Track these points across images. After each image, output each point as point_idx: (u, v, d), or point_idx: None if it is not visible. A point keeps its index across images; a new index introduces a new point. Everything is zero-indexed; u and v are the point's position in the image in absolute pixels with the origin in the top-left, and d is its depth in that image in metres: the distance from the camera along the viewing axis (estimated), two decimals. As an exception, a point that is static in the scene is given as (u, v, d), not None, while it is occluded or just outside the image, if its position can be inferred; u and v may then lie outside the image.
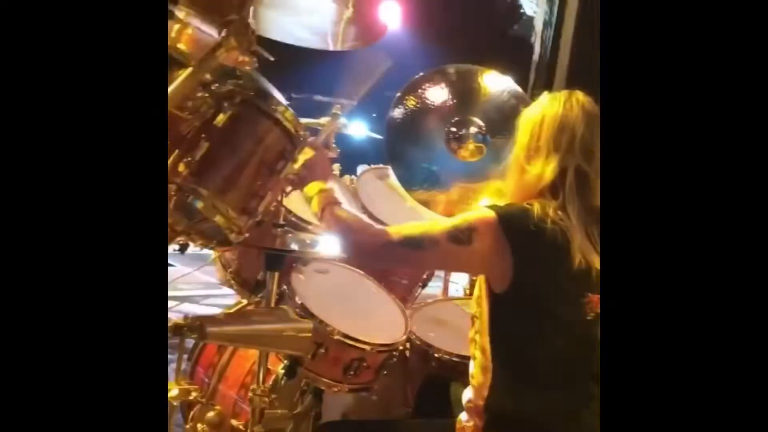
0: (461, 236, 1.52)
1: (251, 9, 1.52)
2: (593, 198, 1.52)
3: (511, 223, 1.50)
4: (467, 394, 1.59)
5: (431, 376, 2.12)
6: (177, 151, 1.44)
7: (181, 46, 1.62)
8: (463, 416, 1.60)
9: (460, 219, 1.56)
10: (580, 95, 1.61)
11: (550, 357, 1.50)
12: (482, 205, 1.60)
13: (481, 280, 1.60)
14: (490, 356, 1.54)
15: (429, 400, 2.10)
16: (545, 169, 1.54)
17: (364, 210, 2.39)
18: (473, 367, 1.59)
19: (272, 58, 1.50)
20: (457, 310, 2.35)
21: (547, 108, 1.60)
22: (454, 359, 2.05)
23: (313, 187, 1.70)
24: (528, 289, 1.50)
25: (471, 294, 2.55)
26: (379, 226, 1.64)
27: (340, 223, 1.64)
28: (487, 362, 1.54)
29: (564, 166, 1.53)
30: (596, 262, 1.46)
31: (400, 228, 1.59)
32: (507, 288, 1.50)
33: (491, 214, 1.52)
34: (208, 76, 1.46)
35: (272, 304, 1.94)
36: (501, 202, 1.65)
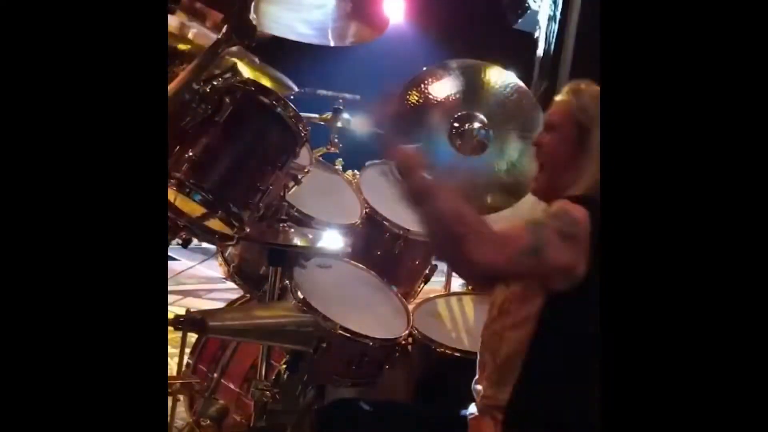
0: (568, 233, 1.40)
1: (253, 4, 1.51)
2: None
3: (594, 221, 1.40)
4: (479, 388, 1.57)
5: (432, 371, 2.12)
6: (178, 147, 1.44)
7: (184, 41, 1.63)
8: (473, 408, 1.58)
9: (560, 214, 1.43)
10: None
11: (588, 356, 1.40)
12: (564, 198, 1.47)
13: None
14: (528, 353, 1.47)
15: (431, 394, 2.10)
16: (595, 170, 1.45)
17: (367, 205, 2.39)
18: (491, 361, 1.54)
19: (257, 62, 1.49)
20: (459, 305, 2.35)
21: (595, 108, 1.50)
22: (456, 354, 2.05)
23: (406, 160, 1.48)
24: (589, 288, 1.37)
25: (473, 288, 2.56)
26: (490, 233, 1.41)
27: (452, 214, 1.39)
28: (515, 358, 1.48)
29: None
30: None
31: (514, 235, 1.42)
32: (576, 283, 1.41)
33: (582, 208, 1.42)
34: (209, 72, 1.47)
35: (275, 299, 1.94)
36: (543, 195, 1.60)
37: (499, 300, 1.59)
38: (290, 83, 2.00)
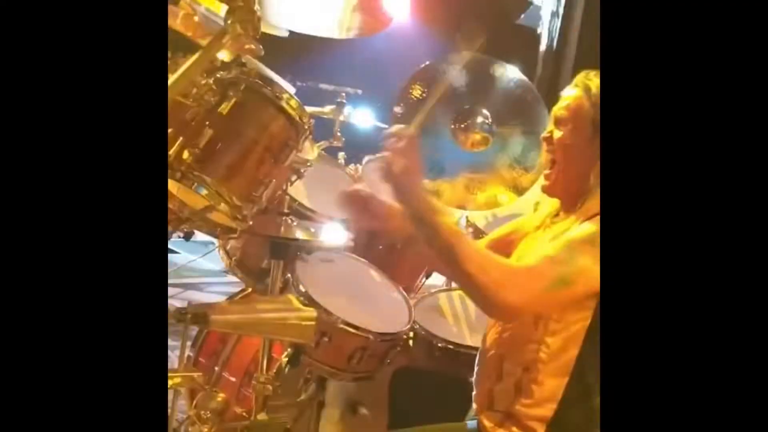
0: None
1: (257, -5, 1.51)
2: None
3: None
4: (493, 395, 1.51)
5: (433, 365, 2.11)
6: (181, 139, 1.44)
7: (187, 32, 1.62)
8: (486, 422, 1.52)
9: (592, 237, 1.34)
10: None
11: None
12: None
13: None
14: (575, 365, 1.42)
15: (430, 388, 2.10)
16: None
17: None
18: (518, 368, 1.48)
19: (262, 52, 1.48)
20: (461, 300, 2.35)
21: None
22: (458, 349, 2.05)
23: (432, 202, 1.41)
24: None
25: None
26: (515, 270, 1.37)
27: (478, 263, 1.33)
28: (564, 369, 1.44)
29: None
30: None
31: (540, 268, 1.36)
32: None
33: None
34: (212, 63, 1.46)
35: (276, 292, 1.94)
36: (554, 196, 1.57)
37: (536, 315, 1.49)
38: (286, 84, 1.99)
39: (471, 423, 1.59)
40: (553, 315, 1.45)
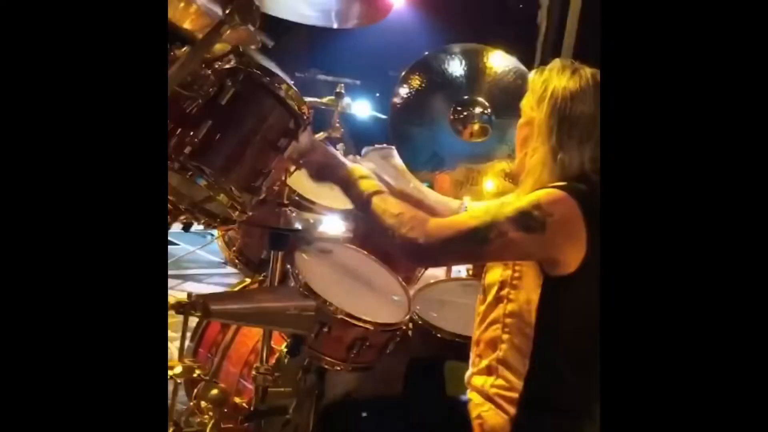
0: (533, 223, 1.39)
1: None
2: None
3: (587, 205, 1.40)
4: (478, 379, 1.55)
5: (432, 356, 2.12)
6: (180, 130, 1.43)
7: (186, 23, 1.61)
8: (477, 399, 1.55)
9: (528, 203, 1.42)
10: (597, 75, 1.52)
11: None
12: (550, 186, 1.45)
13: (523, 264, 1.50)
14: (534, 342, 1.46)
15: (430, 380, 2.11)
16: (582, 157, 1.47)
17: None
18: (492, 350, 1.53)
19: (271, 43, 1.48)
20: (459, 291, 2.35)
21: (578, 92, 1.50)
22: (457, 339, 2.05)
23: (353, 171, 1.63)
24: (591, 274, 1.36)
25: (474, 274, 2.56)
26: (430, 219, 1.48)
27: (387, 216, 1.52)
28: (524, 348, 1.48)
29: (598, 155, 1.44)
30: None
31: (454, 220, 1.48)
32: (573, 270, 1.41)
33: (564, 195, 1.41)
34: (211, 54, 1.45)
35: (276, 283, 1.94)
36: (526, 182, 1.57)
37: (494, 287, 1.57)
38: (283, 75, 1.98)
39: (465, 397, 1.61)
40: (513, 282, 1.52)
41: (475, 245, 1.43)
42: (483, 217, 1.43)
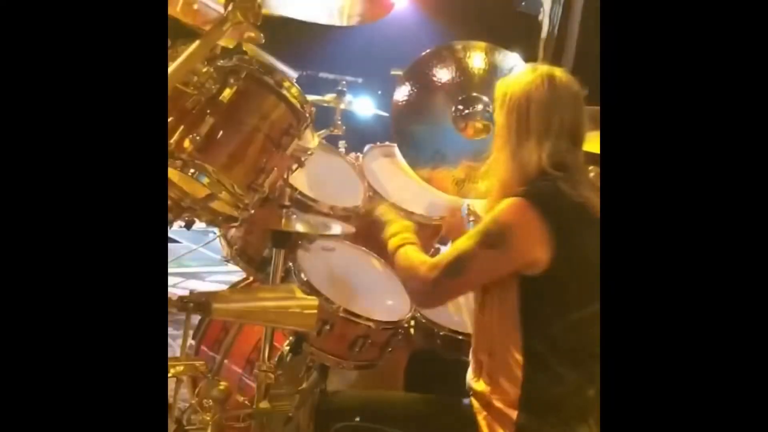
0: (494, 240, 1.46)
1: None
2: (586, 175, 1.54)
3: (546, 203, 1.46)
4: (480, 387, 1.56)
5: (434, 353, 2.12)
6: (182, 127, 1.43)
7: (187, 20, 1.61)
8: (477, 405, 1.57)
9: (487, 221, 1.50)
10: (561, 74, 1.57)
11: (590, 341, 1.41)
12: (512, 194, 1.51)
13: None
14: (522, 342, 1.49)
15: (430, 377, 2.11)
16: (540, 154, 1.52)
17: (370, 188, 2.38)
18: (488, 357, 1.55)
19: (263, 40, 1.48)
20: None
21: (533, 90, 1.55)
22: (459, 337, 2.05)
23: (395, 225, 1.78)
24: (566, 268, 1.45)
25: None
26: (426, 265, 1.58)
27: (401, 271, 1.69)
28: (515, 352, 1.50)
29: (557, 150, 1.51)
30: None
31: (437, 261, 1.56)
32: (543, 270, 1.45)
33: (520, 201, 1.46)
34: (213, 51, 1.45)
35: (278, 281, 1.94)
36: (491, 185, 1.64)
37: (480, 296, 1.60)
38: (288, 70, 1.98)
39: (466, 400, 1.62)
40: (492, 290, 1.57)
41: (455, 278, 1.52)
42: (453, 251, 1.54)
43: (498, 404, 1.52)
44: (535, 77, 1.57)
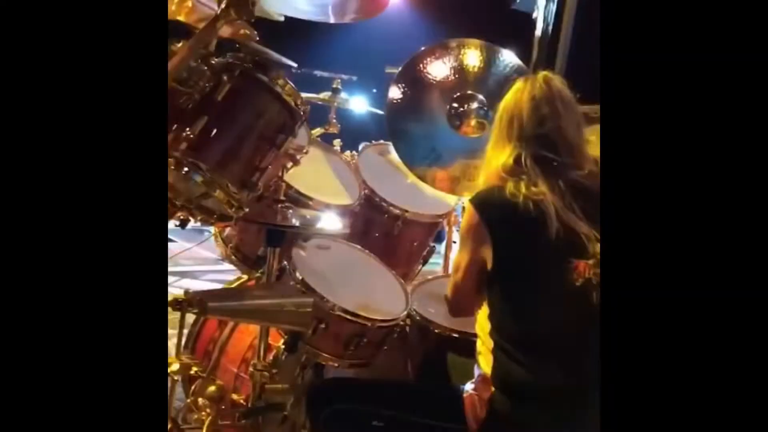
0: (460, 242, 1.67)
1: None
2: (569, 173, 1.58)
3: (485, 204, 1.60)
4: (477, 369, 1.66)
5: (430, 352, 2.12)
6: (176, 125, 1.43)
7: (181, 18, 1.60)
8: (468, 386, 1.64)
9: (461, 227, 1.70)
10: (540, 79, 1.66)
11: (545, 326, 1.55)
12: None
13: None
14: (489, 330, 1.60)
15: (429, 374, 2.11)
16: (506, 157, 1.63)
17: (365, 186, 2.38)
18: (479, 343, 1.66)
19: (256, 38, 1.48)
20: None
21: (506, 97, 1.69)
22: (454, 335, 2.05)
23: None
24: (510, 262, 1.57)
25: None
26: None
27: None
28: (490, 333, 1.60)
29: (518, 153, 1.61)
30: (581, 228, 1.51)
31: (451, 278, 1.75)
32: (494, 264, 1.58)
33: (469, 205, 1.64)
34: (207, 49, 1.45)
35: (273, 280, 1.94)
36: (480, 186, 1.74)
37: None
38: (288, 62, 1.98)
39: (464, 386, 1.67)
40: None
41: (455, 279, 1.69)
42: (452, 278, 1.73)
43: (485, 383, 1.61)
44: (516, 85, 1.70)
